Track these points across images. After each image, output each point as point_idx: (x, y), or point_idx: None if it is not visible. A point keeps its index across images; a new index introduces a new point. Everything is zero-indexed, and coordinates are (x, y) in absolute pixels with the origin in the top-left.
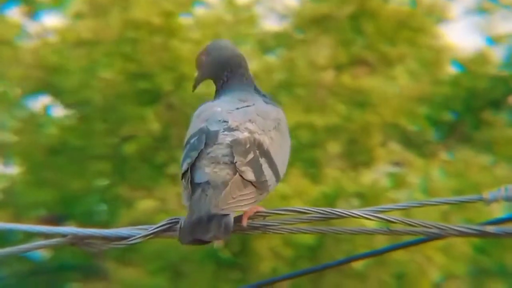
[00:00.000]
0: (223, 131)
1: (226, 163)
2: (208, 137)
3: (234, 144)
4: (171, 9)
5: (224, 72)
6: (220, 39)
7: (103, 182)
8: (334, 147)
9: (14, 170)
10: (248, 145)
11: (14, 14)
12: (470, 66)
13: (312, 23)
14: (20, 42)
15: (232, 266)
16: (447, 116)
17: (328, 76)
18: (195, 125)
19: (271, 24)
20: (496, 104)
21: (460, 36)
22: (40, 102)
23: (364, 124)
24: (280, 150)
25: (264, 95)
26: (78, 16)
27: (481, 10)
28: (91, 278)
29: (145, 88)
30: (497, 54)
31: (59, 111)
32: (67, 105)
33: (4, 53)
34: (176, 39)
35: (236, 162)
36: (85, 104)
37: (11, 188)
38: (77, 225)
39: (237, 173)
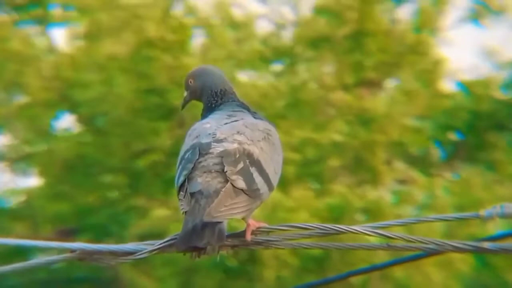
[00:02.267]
0: (214, 143)
1: (217, 171)
2: (200, 149)
3: (224, 155)
4: (183, 23)
5: (212, 95)
6: (207, 65)
7: (116, 195)
8: (337, 163)
9: (32, 183)
10: (238, 155)
11: (37, 30)
12: (474, 88)
13: (313, 42)
14: (41, 56)
15: (239, 274)
16: (451, 136)
17: (335, 95)
18: (187, 143)
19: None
20: (500, 126)
21: (458, 46)
22: (58, 116)
23: (369, 142)
24: (271, 159)
25: (254, 112)
26: (96, 34)
27: (474, 18)
28: (104, 286)
29: (157, 103)
30: (500, 77)
31: (76, 125)
32: (83, 119)
33: (26, 67)
34: (187, 56)
35: (226, 172)
36: (101, 117)
37: (29, 201)
38: (91, 237)
39: (229, 182)
